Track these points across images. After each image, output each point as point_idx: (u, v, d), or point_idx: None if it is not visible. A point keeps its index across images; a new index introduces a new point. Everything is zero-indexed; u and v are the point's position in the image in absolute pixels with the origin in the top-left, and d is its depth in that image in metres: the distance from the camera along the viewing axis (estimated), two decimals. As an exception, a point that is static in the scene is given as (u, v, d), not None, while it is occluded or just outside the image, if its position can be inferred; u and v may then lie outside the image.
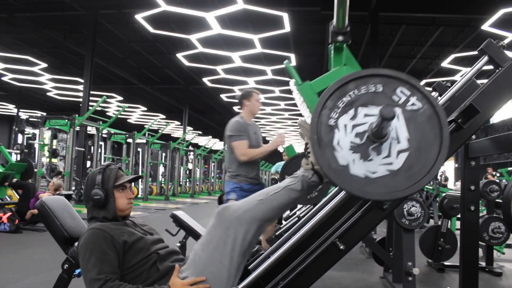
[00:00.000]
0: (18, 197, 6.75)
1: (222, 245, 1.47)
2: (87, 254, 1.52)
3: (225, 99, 18.57)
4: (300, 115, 1.90)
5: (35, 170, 8.29)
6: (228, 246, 1.46)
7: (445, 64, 11.74)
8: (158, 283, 1.55)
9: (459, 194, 2.56)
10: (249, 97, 3.23)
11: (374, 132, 1.23)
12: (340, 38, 1.60)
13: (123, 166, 12.21)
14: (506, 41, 1.68)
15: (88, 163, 11.74)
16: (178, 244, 3.40)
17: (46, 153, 9.50)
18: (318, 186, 1.61)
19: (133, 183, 1.83)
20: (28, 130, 11.17)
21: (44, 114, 11.76)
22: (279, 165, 6.71)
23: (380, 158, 1.23)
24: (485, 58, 1.66)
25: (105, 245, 1.53)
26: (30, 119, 10.39)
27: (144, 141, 13.70)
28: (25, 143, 10.39)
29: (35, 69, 13.76)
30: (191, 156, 18.57)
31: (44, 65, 13.23)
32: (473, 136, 1.73)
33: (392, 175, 1.22)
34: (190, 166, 18.67)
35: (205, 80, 15.24)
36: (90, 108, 10.64)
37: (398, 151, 1.23)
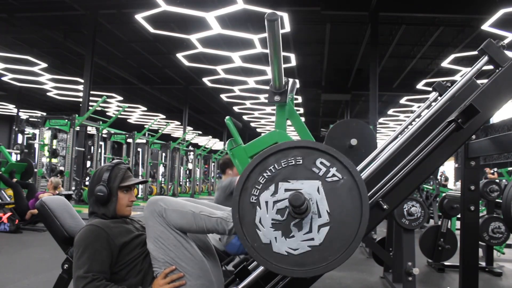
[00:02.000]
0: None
1: (163, 230, 1.51)
2: (80, 251, 1.53)
3: (225, 99, 18.56)
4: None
5: (35, 170, 8.30)
6: (170, 233, 1.51)
7: (445, 64, 11.74)
8: (148, 273, 1.56)
9: (459, 194, 2.56)
10: (231, 166, 3.28)
11: (294, 208, 1.21)
12: (276, 98, 1.60)
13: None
14: (506, 41, 1.68)
15: (88, 163, 11.74)
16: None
17: (46, 153, 9.51)
18: None
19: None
20: (28, 130, 11.17)
21: (44, 114, 11.77)
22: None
23: (301, 234, 1.22)
24: (485, 58, 1.66)
25: (99, 243, 1.53)
26: (30, 119, 10.39)
27: (144, 141, 13.70)
28: (25, 143, 10.40)
29: (35, 69, 13.75)
30: (191, 156, 18.57)
31: (44, 65, 13.22)
32: (473, 136, 1.73)
33: (314, 251, 1.21)
34: (190, 166, 18.67)
35: (205, 80, 15.24)
36: (90, 108, 10.64)
37: (319, 225, 1.21)
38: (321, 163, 1.24)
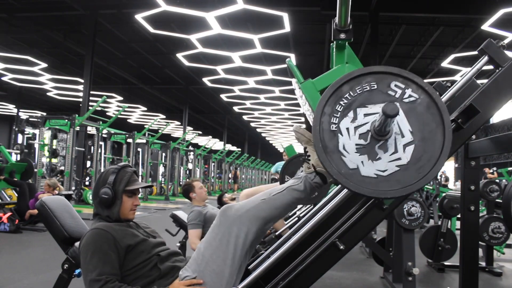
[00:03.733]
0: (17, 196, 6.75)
1: (225, 243, 1.46)
2: (89, 255, 1.52)
3: (225, 99, 18.57)
4: (300, 115, 1.90)
5: (35, 170, 8.29)
6: (231, 245, 1.46)
7: (445, 64, 11.74)
8: (158, 282, 1.55)
9: (459, 194, 2.56)
10: (192, 189, 3.38)
11: (377, 130, 1.22)
12: (342, 36, 1.60)
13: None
14: (506, 41, 1.68)
15: (88, 163, 11.74)
16: (178, 244, 3.41)
17: (46, 153, 9.50)
18: (321, 187, 1.61)
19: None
20: (28, 130, 11.16)
21: (44, 114, 11.78)
22: (279, 165, 6.71)
23: (387, 155, 1.23)
24: (485, 58, 1.65)
25: (106, 246, 1.53)
26: (30, 119, 10.39)
27: (144, 141, 13.70)
28: (25, 143, 10.39)
29: (35, 69, 13.76)
30: (191, 156, 18.57)
31: (44, 65, 13.23)
32: (473, 136, 1.73)
33: (403, 170, 1.22)
34: (190, 166, 18.67)
35: (205, 80, 15.25)
36: (90, 108, 10.64)
37: (404, 145, 1.23)
38: (396, 85, 1.26)
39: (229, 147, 24.37)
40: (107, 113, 20.60)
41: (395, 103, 1.24)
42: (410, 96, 1.25)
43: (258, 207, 1.51)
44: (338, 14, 1.51)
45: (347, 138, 1.24)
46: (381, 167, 1.22)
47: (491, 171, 12.03)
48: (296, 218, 3.07)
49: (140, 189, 1.75)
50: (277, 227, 2.96)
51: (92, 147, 11.51)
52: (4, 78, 15.58)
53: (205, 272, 1.47)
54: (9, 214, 5.91)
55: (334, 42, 1.64)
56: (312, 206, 2.44)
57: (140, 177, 13.25)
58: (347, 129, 1.25)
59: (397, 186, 1.21)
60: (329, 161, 1.22)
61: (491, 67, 1.67)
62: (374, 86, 1.26)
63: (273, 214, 1.54)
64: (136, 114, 22.64)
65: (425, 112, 1.24)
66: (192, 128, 25.53)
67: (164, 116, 22.51)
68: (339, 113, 1.26)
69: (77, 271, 1.79)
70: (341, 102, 1.26)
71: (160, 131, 15.17)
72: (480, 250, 4.48)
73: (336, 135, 1.24)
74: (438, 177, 9.98)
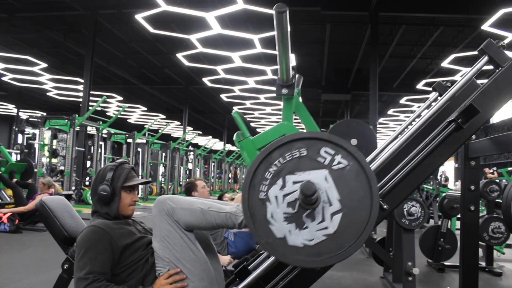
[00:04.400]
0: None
1: (171, 230, 1.51)
2: (82, 252, 1.53)
3: (225, 99, 18.56)
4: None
5: (35, 170, 8.30)
6: (178, 230, 1.51)
7: (445, 64, 11.74)
8: (148, 278, 1.56)
9: (459, 194, 2.56)
10: (195, 188, 3.39)
11: (304, 200, 1.21)
12: (284, 91, 1.61)
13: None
14: (506, 41, 1.68)
15: (88, 163, 11.74)
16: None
17: (46, 153, 9.51)
18: None
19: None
20: (28, 130, 11.18)
21: (44, 114, 11.77)
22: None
23: (315, 224, 1.22)
24: (485, 58, 1.66)
25: (101, 245, 1.53)
26: (30, 119, 10.40)
27: (144, 141, 13.70)
28: (25, 143, 10.40)
29: (35, 69, 13.75)
30: (191, 156, 18.57)
31: (44, 65, 13.22)
32: (473, 136, 1.73)
33: (330, 239, 1.21)
34: (190, 166, 18.67)
35: (205, 80, 15.24)
36: (90, 108, 10.64)
37: (332, 213, 1.22)
38: (326, 152, 1.24)
39: (229, 147, 24.36)
40: (107, 113, 20.58)
41: (323, 169, 1.23)
42: (339, 162, 1.24)
43: (192, 211, 1.53)
44: (280, 69, 1.52)
45: (275, 206, 1.23)
46: (308, 237, 1.22)
47: (491, 171, 12.02)
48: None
49: (140, 189, 1.76)
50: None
51: (92, 147, 11.51)
52: (4, 78, 15.57)
53: (174, 262, 1.51)
54: (9, 214, 5.91)
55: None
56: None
57: (140, 176, 13.21)
58: (276, 197, 1.24)
59: (322, 257, 1.21)
60: (257, 230, 1.22)
61: (491, 67, 1.67)
62: (303, 153, 1.25)
63: (199, 226, 1.55)
64: (136, 114, 22.63)
65: (354, 179, 1.23)
66: (192, 128, 25.52)
67: (164, 116, 22.50)
68: (268, 180, 1.24)
69: (77, 271, 1.79)
70: (271, 169, 1.25)
71: (160, 131, 15.17)
72: (480, 250, 4.47)
73: (265, 204, 1.23)
74: (438, 177, 9.99)
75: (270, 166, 1.25)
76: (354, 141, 1.99)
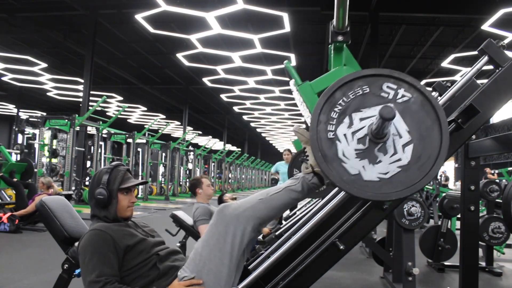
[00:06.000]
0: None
1: (222, 242, 1.47)
2: (88, 256, 1.52)
3: (225, 99, 18.57)
4: (300, 115, 1.90)
5: (35, 170, 8.29)
6: (228, 244, 1.47)
7: (445, 64, 11.74)
8: (157, 282, 1.55)
9: (459, 194, 2.56)
10: (200, 185, 3.38)
11: (375, 133, 1.22)
12: (340, 38, 1.60)
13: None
14: (506, 41, 1.68)
15: (88, 163, 11.73)
16: (178, 244, 3.41)
17: (46, 153, 9.50)
18: (319, 188, 1.61)
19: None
20: (28, 130, 11.15)
21: (44, 114, 11.77)
22: (279, 165, 6.72)
23: (388, 157, 1.23)
24: (485, 58, 1.65)
25: (105, 247, 1.52)
26: (30, 119, 10.38)
27: (144, 141, 13.70)
28: (25, 143, 10.39)
29: (35, 69, 13.76)
30: (191, 156, 18.57)
31: (44, 65, 13.23)
32: (473, 136, 1.73)
33: (404, 170, 1.22)
34: (190, 166, 18.67)
35: (205, 80, 15.25)
36: (90, 108, 10.64)
37: (403, 145, 1.23)
38: (388, 87, 1.26)
39: (229, 147, 24.36)
40: (107, 113, 20.59)
41: (390, 104, 1.24)
42: (403, 96, 1.26)
43: (255, 206, 1.52)
44: (336, 16, 1.51)
45: (345, 144, 1.24)
46: (382, 170, 1.22)
47: (493, 172, 12.01)
48: (296, 218, 3.07)
49: (140, 189, 1.75)
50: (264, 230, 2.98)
51: (92, 147, 11.51)
52: (4, 78, 15.58)
53: (203, 271, 1.47)
54: (9, 214, 5.91)
55: (332, 44, 1.64)
56: (311, 206, 2.44)
57: (140, 177, 13.24)
58: (345, 135, 1.25)
59: (400, 187, 1.21)
60: (330, 169, 1.22)
61: (491, 67, 1.67)
62: (366, 90, 1.26)
63: (270, 214, 1.55)
64: (136, 114, 22.64)
65: (419, 110, 1.25)
66: (192, 128, 25.52)
67: (164, 116, 22.52)
68: (334, 120, 1.26)
69: (77, 271, 1.79)
70: (336, 109, 1.26)
71: (160, 131, 15.17)
72: (480, 250, 4.47)
73: (334, 143, 1.24)
74: (438, 177, 9.99)
75: (334, 106, 1.26)
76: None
